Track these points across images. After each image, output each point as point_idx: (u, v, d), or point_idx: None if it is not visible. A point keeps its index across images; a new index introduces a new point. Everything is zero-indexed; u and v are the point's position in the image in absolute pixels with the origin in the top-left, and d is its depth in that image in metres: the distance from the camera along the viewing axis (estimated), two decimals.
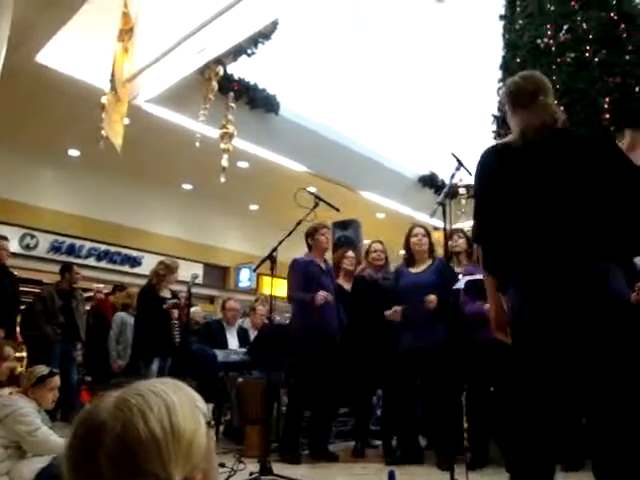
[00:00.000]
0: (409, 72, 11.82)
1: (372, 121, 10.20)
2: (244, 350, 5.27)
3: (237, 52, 7.11)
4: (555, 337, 1.73)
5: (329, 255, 4.96)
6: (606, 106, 5.53)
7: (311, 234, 4.41)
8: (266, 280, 9.86)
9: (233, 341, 5.52)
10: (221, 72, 7.00)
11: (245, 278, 11.54)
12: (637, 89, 5.61)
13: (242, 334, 5.70)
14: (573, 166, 1.86)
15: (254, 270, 4.40)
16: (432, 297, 3.86)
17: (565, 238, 1.80)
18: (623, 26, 6.11)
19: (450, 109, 11.89)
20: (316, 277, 4.29)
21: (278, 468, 3.48)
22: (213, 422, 0.75)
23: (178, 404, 0.69)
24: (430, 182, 10.79)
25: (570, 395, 1.76)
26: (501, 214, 1.92)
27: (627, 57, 5.86)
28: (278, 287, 3.99)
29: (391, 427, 4.19)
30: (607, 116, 5.47)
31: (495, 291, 1.99)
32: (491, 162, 2.00)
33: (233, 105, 7.26)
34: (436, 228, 5.49)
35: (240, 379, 4.80)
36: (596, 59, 5.88)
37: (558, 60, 6.02)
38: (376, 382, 4.51)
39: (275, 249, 3.69)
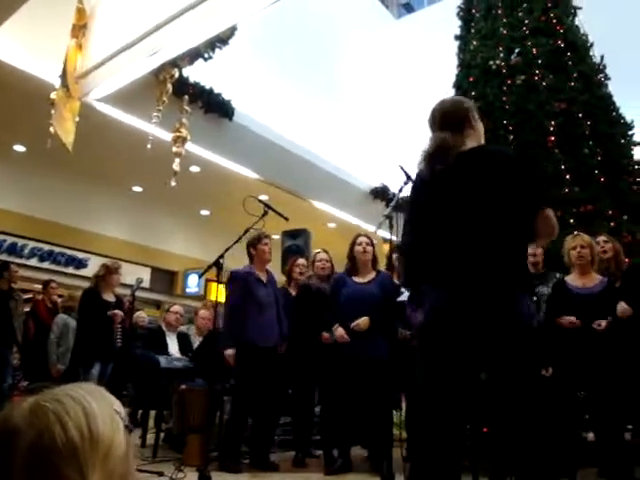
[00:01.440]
0: (365, 85, 12.01)
1: (326, 132, 10.29)
2: (187, 357, 5.19)
3: (194, 55, 7.05)
4: (455, 354, 1.79)
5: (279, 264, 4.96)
6: (552, 129, 5.75)
7: (253, 244, 4.36)
8: (215, 286, 9.76)
9: (173, 346, 5.41)
10: (176, 75, 6.90)
11: (193, 284, 11.38)
12: (580, 115, 5.86)
13: (183, 340, 5.60)
14: (483, 185, 1.91)
15: (200, 276, 4.37)
16: (364, 321, 3.88)
17: (472, 257, 1.85)
18: (569, 54, 6.39)
19: (404, 123, 12.12)
20: (252, 289, 4.24)
21: (218, 478, 3.45)
22: (132, 427, 0.74)
23: (96, 409, 0.68)
24: (382, 194, 10.95)
25: (469, 412, 1.88)
26: (420, 232, 2.00)
27: (572, 84, 6.12)
28: (224, 294, 3.96)
29: (330, 436, 4.19)
30: (552, 138, 5.68)
31: None
32: (418, 182, 2.11)
33: (188, 109, 7.17)
34: (385, 240, 5.57)
35: (183, 386, 4.72)
36: (544, 83, 6.12)
37: (509, 82, 6.23)
38: (319, 390, 4.52)
39: (222, 256, 3.67)
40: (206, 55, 7.17)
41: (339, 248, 4.35)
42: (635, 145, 6.08)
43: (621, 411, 3.57)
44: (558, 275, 4.03)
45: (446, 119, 2.09)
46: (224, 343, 4.19)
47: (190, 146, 7.49)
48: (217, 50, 7.28)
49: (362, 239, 4.19)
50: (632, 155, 5.91)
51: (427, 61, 12.17)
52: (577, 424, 3.66)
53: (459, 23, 7.91)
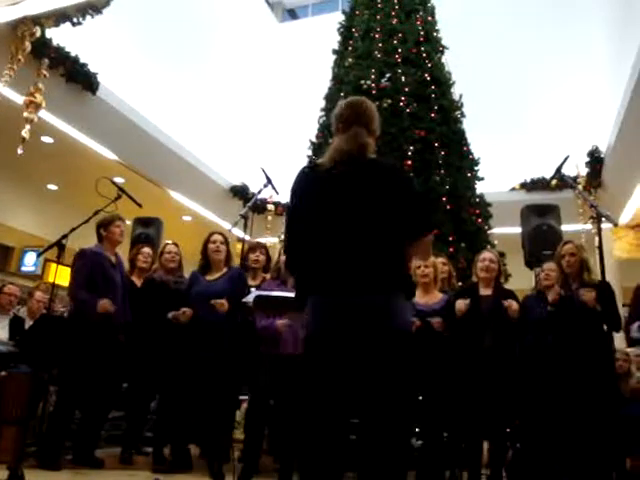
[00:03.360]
0: (237, 82, 11.95)
1: (193, 123, 10.05)
2: (12, 341, 4.75)
3: (61, 17, 6.53)
4: (337, 365, 1.81)
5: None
6: (410, 154, 6.15)
7: (104, 225, 4.13)
8: (54, 267, 9.06)
9: (3, 332, 4.93)
10: (38, 34, 6.33)
11: (30, 262, 10.44)
12: (436, 144, 6.33)
13: (16, 324, 5.11)
14: (369, 195, 1.91)
15: (39, 255, 4.03)
16: (222, 301, 3.85)
17: (355, 267, 1.84)
18: (433, 87, 6.88)
19: (271, 126, 12.26)
20: (104, 270, 4.04)
21: (33, 476, 3.18)
22: None
23: None
24: (241, 193, 10.92)
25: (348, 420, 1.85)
26: (303, 239, 1.96)
27: (432, 115, 6.60)
28: (64, 276, 3.70)
29: (163, 434, 4.08)
30: (409, 162, 6.07)
31: None
32: (299, 185, 2.05)
33: (46, 73, 6.60)
34: (239, 239, 5.56)
35: (3, 372, 4.30)
36: (408, 110, 6.52)
37: (376, 103, 6.52)
38: (155, 387, 4.36)
39: (66, 236, 3.42)
40: (75, 20, 6.65)
41: (193, 242, 4.26)
42: (479, 180, 6.70)
43: (444, 417, 3.89)
44: None
45: (367, 124, 2.08)
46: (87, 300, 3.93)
47: (45, 115, 6.91)
48: (89, 18, 6.80)
49: (216, 237, 4.12)
50: (475, 189, 6.51)
51: (302, 70, 12.42)
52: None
53: (338, 39, 8.18)
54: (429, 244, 2.00)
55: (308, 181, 2.04)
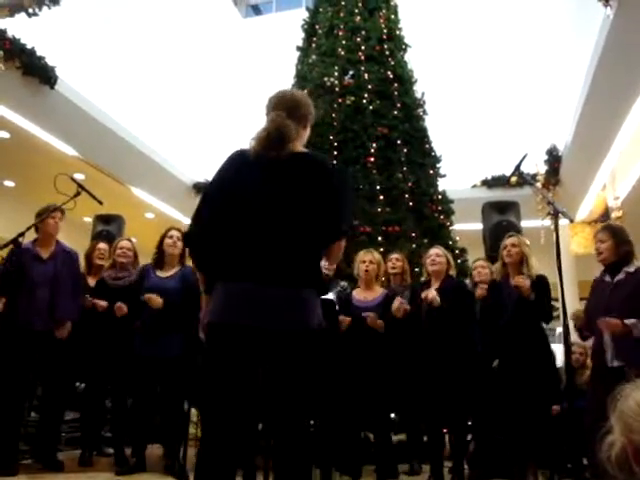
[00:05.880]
0: (199, 76, 11.84)
1: (154, 119, 9.90)
2: None
3: (15, 7, 6.35)
4: (236, 358, 1.77)
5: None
6: (372, 151, 6.19)
7: (39, 215, 3.89)
8: None
9: None
10: None
11: None
12: (398, 142, 6.39)
13: None
14: (293, 187, 1.89)
15: None
16: (155, 296, 3.80)
17: (270, 257, 1.81)
18: (396, 85, 6.94)
19: (234, 121, 12.17)
20: (26, 267, 3.80)
21: None
22: None
23: None
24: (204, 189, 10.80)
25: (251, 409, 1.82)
26: (215, 220, 1.90)
27: (395, 113, 6.66)
28: None
29: (123, 434, 4.02)
30: (372, 159, 6.11)
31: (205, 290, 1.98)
32: (225, 167, 2.01)
33: (1, 65, 6.41)
34: None
35: None
36: (371, 107, 6.56)
37: (339, 100, 6.57)
38: (107, 385, 4.28)
39: (23, 234, 3.34)
40: (31, 11, 6.48)
41: (156, 240, 4.18)
42: (441, 177, 6.80)
43: (389, 411, 3.95)
44: (342, 283, 4.24)
45: (290, 108, 2.03)
46: None
47: (0, 108, 6.72)
48: (45, 9, 6.63)
49: (173, 232, 4.06)
50: (437, 185, 6.59)
51: (266, 66, 12.37)
52: (358, 424, 3.92)
53: (302, 35, 8.16)
54: (339, 250, 1.97)
55: (234, 165, 1.99)
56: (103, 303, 4.09)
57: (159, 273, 4.00)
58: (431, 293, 3.70)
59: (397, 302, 3.81)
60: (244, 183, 1.91)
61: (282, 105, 2.04)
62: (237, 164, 1.99)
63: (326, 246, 1.93)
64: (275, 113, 2.00)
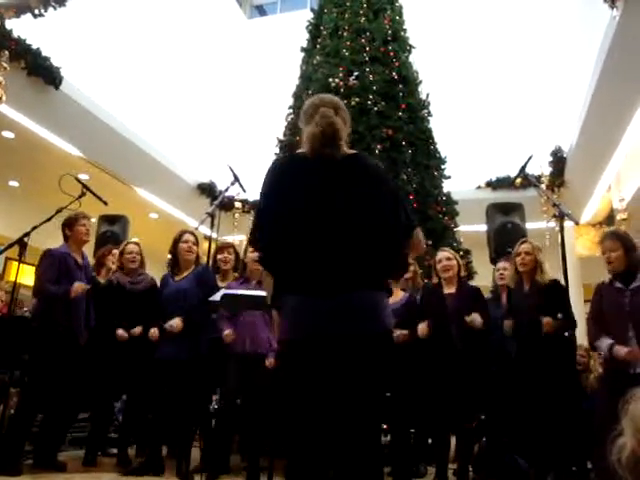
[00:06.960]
0: (204, 77, 11.85)
1: (159, 120, 9.90)
2: None
3: (22, 8, 6.35)
4: (318, 370, 1.70)
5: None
6: (377, 152, 6.17)
7: (69, 224, 4.00)
8: (15, 266, 8.81)
9: None
10: None
11: None
12: (403, 143, 6.38)
13: None
14: (357, 188, 1.82)
15: (0, 253, 3.90)
16: (176, 323, 3.82)
17: (337, 264, 1.73)
18: (401, 86, 6.93)
19: (239, 123, 12.20)
20: (70, 272, 3.92)
21: None
22: None
23: None
24: (208, 190, 10.82)
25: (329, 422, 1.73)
26: (287, 235, 1.79)
27: (400, 114, 6.65)
28: (26, 275, 3.60)
29: (129, 435, 4.02)
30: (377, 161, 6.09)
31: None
32: (276, 178, 1.91)
33: (6, 66, 6.41)
34: (206, 237, 5.51)
35: None
36: (376, 109, 6.55)
37: (344, 101, 6.54)
38: (121, 387, 4.29)
39: (28, 234, 3.35)
40: (37, 11, 6.49)
41: (160, 240, 4.19)
42: (446, 178, 6.79)
43: (409, 415, 3.93)
44: None
45: (334, 108, 1.95)
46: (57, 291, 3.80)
47: (5, 109, 6.73)
48: (51, 9, 6.63)
49: (188, 237, 4.07)
50: (442, 187, 6.58)
51: (270, 67, 12.38)
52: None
53: (307, 36, 8.17)
54: (419, 240, 1.92)
55: (287, 173, 1.90)
56: (125, 335, 4.09)
57: (176, 278, 4.04)
58: (477, 320, 3.65)
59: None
60: (306, 190, 1.82)
61: (327, 105, 1.96)
62: (291, 171, 1.90)
63: (404, 244, 1.88)
64: (325, 109, 1.91)
